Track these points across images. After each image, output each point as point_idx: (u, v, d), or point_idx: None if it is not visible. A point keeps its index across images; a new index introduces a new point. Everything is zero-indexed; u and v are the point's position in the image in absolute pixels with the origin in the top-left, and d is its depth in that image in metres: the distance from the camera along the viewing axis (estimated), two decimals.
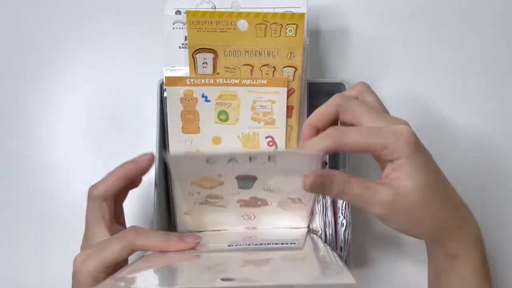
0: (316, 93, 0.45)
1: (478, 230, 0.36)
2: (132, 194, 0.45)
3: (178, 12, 0.42)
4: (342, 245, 0.41)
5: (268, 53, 0.39)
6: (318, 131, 0.34)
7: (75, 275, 0.34)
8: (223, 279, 0.26)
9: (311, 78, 0.42)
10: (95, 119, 0.49)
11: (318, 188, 0.32)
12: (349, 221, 0.41)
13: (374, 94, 0.36)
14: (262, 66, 0.39)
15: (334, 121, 0.35)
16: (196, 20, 0.37)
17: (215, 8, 0.42)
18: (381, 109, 0.35)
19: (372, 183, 0.32)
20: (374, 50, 0.50)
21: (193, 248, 0.34)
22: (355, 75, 0.49)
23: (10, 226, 0.48)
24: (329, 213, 0.42)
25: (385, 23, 0.51)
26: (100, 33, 0.50)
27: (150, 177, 0.42)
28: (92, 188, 0.36)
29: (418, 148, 0.31)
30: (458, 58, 0.50)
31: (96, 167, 0.48)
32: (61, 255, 0.46)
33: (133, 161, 0.37)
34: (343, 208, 0.42)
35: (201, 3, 0.42)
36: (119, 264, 0.34)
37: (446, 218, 0.33)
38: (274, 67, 0.39)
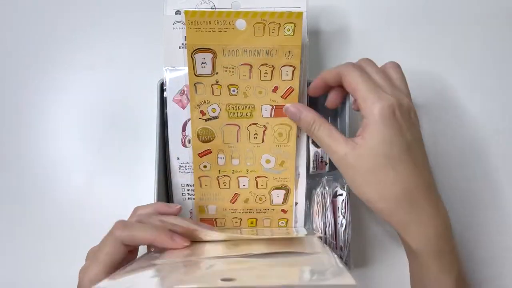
0: None
1: (442, 227, 0.36)
2: (132, 196, 0.46)
3: (178, 12, 0.42)
4: (342, 245, 0.41)
5: (266, 52, 0.39)
6: (326, 83, 0.39)
7: (79, 285, 0.34)
8: (223, 280, 0.26)
9: (311, 78, 0.42)
10: (95, 119, 0.49)
11: (291, 116, 0.40)
12: (349, 221, 0.41)
13: (375, 68, 0.38)
14: (261, 65, 0.39)
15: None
16: (195, 20, 0.37)
17: (214, 8, 0.42)
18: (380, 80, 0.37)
19: (337, 134, 0.36)
20: (374, 50, 0.50)
21: (184, 248, 0.34)
22: None
23: (10, 226, 0.48)
24: (329, 213, 0.42)
25: (385, 23, 0.51)
26: (100, 33, 0.50)
27: (150, 179, 0.42)
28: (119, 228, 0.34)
29: (390, 120, 0.34)
30: (458, 57, 0.50)
31: (96, 167, 0.48)
32: (61, 255, 0.46)
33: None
34: (343, 208, 0.42)
35: (201, 3, 0.42)
36: (123, 263, 0.34)
37: (392, 195, 0.34)
38: (272, 66, 0.39)
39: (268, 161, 0.43)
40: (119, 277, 0.28)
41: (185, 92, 0.42)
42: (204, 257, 0.32)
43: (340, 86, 0.39)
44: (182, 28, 0.41)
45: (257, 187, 0.43)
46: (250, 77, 0.40)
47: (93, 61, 0.49)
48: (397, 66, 0.39)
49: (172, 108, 0.42)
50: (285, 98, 0.41)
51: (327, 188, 0.43)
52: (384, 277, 0.46)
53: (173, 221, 0.35)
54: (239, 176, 0.43)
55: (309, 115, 0.38)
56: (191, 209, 0.44)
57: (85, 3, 0.50)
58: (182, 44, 0.42)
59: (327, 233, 0.41)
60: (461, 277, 0.37)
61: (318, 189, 0.43)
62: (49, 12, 0.50)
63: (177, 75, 0.42)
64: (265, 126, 0.42)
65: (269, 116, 0.41)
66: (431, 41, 0.50)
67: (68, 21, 0.50)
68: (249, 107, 0.41)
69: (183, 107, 0.42)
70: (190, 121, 0.41)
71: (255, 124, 0.41)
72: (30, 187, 0.48)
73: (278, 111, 0.41)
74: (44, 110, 0.49)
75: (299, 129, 0.42)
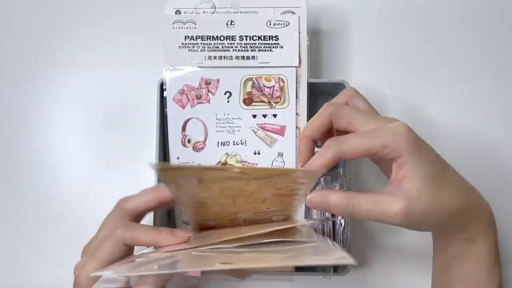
0: (316, 93, 0.45)
1: (491, 212, 0.36)
2: (134, 191, 0.45)
3: (178, 12, 0.42)
4: (341, 245, 0.42)
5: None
6: (314, 142, 0.36)
7: (75, 282, 0.34)
8: (222, 263, 0.26)
9: (311, 78, 0.42)
10: (95, 119, 0.49)
11: (317, 206, 0.34)
12: (348, 221, 0.42)
13: (363, 97, 0.37)
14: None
15: (329, 130, 0.35)
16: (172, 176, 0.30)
17: (214, 8, 0.42)
18: (372, 112, 0.36)
19: (381, 196, 0.32)
20: (374, 49, 0.50)
21: (184, 242, 0.33)
22: (355, 75, 0.49)
23: (10, 226, 0.47)
24: (327, 213, 0.42)
25: (386, 22, 0.51)
26: (100, 33, 0.50)
27: (150, 179, 0.43)
28: (123, 200, 0.35)
29: (418, 142, 0.32)
30: (458, 57, 0.50)
31: (96, 167, 0.48)
32: (60, 255, 0.46)
33: None
34: None
35: (201, 3, 0.42)
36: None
37: (461, 204, 0.33)
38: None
39: (268, 208, 0.38)
40: (120, 268, 0.28)
41: (185, 92, 0.42)
42: (201, 248, 0.32)
43: None
44: (182, 27, 0.41)
45: (256, 216, 0.41)
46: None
47: (93, 61, 0.49)
48: (356, 92, 0.37)
49: (172, 108, 0.42)
50: None
51: (324, 188, 0.43)
52: (384, 277, 0.47)
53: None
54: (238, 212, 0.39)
55: (338, 196, 0.33)
56: None
57: (85, 2, 0.50)
58: (182, 44, 0.42)
59: (325, 233, 0.42)
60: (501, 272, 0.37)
61: (317, 189, 0.43)
62: (49, 12, 0.50)
63: (177, 75, 0.42)
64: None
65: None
66: (432, 40, 0.50)
67: (68, 21, 0.50)
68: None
69: (183, 107, 0.42)
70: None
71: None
72: (30, 187, 0.48)
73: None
74: (44, 110, 0.49)
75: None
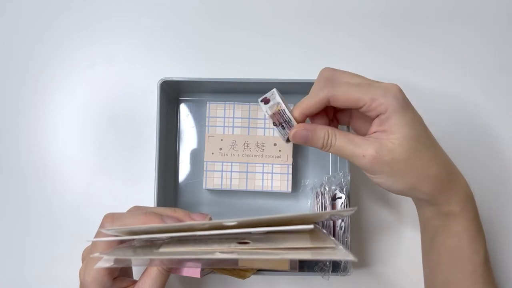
0: None
1: (468, 187, 0.37)
2: (133, 196, 0.46)
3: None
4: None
5: None
6: (311, 113, 0.36)
7: (81, 286, 0.34)
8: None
9: (311, 77, 0.41)
10: (95, 119, 0.48)
11: (302, 139, 0.35)
12: (348, 224, 0.41)
13: (343, 72, 0.35)
14: None
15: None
16: None
17: None
18: (362, 79, 0.35)
19: (357, 138, 0.34)
20: (374, 49, 0.49)
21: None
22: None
23: (10, 225, 0.48)
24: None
25: (385, 22, 0.49)
26: (100, 33, 0.49)
27: (150, 179, 0.43)
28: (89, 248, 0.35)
29: (406, 104, 0.33)
30: (458, 56, 0.49)
31: (96, 168, 0.48)
32: (60, 255, 0.47)
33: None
34: None
35: None
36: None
37: (434, 172, 0.34)
38: None
39: None
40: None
41: None
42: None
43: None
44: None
45: None
46: None
47: (93, 61, 0.49)
48: (335, 71, 0.36)
49: None
50: None
51: (327, 188, 0.42)
52: (384, 277, 0.46)
53: (169, 213, 0.35)
54: None
55: (320, 128, 0.35)
56: None
57: (86, 3, 0.50)
58: None
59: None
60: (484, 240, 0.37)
61: (318, 189, 0.43)
62: (50, 12, 0.50)
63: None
64: None
65: None
66: (431, 38, 0.49)
67: (68, 21, 0.50)
68: None
69: None
70: None
71: None
72: (30, 187, 0.48)
73: None
74: (44, 109, 0.49)
75: None
